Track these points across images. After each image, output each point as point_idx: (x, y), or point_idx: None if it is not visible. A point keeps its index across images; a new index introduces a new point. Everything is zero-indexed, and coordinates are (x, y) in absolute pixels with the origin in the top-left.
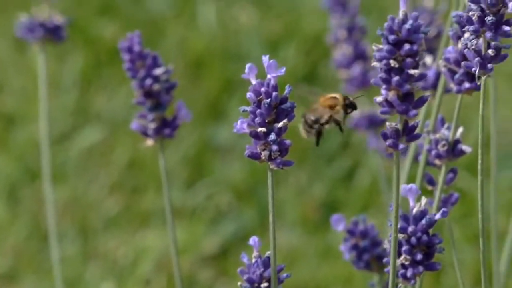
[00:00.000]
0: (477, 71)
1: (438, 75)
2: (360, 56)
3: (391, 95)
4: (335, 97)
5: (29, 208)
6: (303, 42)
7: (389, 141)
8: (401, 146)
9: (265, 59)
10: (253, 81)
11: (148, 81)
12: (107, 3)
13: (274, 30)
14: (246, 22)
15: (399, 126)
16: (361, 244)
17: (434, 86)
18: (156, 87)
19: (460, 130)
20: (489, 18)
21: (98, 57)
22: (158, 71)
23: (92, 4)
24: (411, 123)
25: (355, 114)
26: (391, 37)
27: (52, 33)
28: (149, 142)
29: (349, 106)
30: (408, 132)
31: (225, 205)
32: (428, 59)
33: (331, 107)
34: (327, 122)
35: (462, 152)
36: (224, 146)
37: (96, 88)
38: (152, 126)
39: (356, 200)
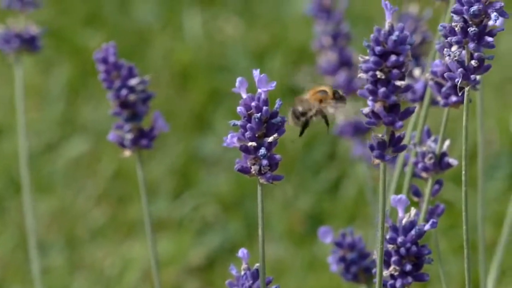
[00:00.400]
0: (459, 82)
1: (426, 87)
2: (345, 63)
3: (378, 107)
4: (324, 91)
5: (15, 219)
6: (289, 52)
7: (375, 152)
8: (388, 157)
9: (256, 73)
10: (244, 95)
11: (124, 92)
12: (94, 13)
13: (260, 41)
14: (232, 33)
15: (386, 138)
16: (349, 256)
17: (423, 98)
18: (132, 97)
19: (447, 143)
20: (471, 29)
21: (84, 67)
22: (133, 82)
23: (78, 15)
24: (397, 134)
25: (340, 121)
26: (378, 48)
27: (28, 44)
28: (127, 153)
29: (339, 100)
30: (395, 143)
31: (211, 216)
32: (416, 71)
33: (321, 101)
34: (315, 115)
35: (448, 165)
36: (210, 158)
37: (83, 99)
38: (129, 137)
39: (343, 212)
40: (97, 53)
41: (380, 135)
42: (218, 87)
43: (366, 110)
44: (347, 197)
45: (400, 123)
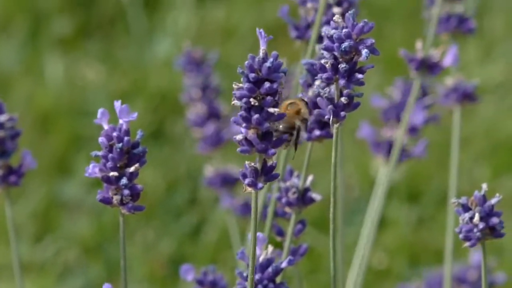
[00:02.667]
0: (330, 119)
1: None
2: (214, 114)
3: (251, 134)
4: (295, 103)
5: None
6: (150, 98)
7: (247, 180)
8: (260, 185)
9: (117, 104)
10: (105, 126)
11: None
12: None
13: (121, 86)
14: (93, 78)
15: (258, 166)
16: None
17: None
18: (1, 134)
19: (310, 178)
20: (342, 66)
21: None
22: (2, 118)
23: None
24: (269, 163)
25: (208, 172)
26: (252, 75)
27: None
28: None
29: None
30: (267, 172)
31: (72, 260)
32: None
33: (297, 113)
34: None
35: (312, 200)
36: (71, 202)
37: None
38: None
39: (204, 255)
40: None
41: (252, 163)
42: (79, 132)
43: (239, 137)
44: (208, 241)
45: (272, 150)
